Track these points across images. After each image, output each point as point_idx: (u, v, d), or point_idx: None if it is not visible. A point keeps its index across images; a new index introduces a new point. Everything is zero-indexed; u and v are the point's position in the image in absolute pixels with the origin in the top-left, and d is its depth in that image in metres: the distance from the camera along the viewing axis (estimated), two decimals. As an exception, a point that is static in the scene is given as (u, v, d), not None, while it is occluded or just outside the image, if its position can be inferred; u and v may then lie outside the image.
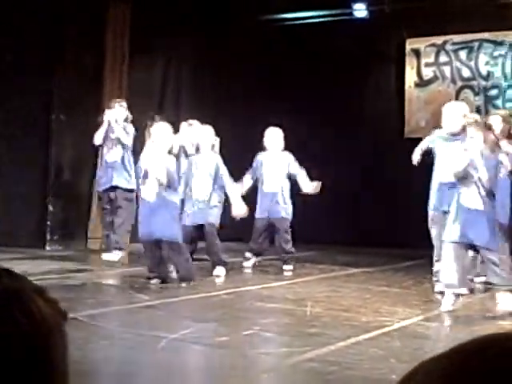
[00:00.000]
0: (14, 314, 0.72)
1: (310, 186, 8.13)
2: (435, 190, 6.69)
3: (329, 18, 10.90)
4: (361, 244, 10.15)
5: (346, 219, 10.78)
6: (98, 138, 8.62)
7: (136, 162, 7.51)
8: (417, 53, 11.19)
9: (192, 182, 7.65)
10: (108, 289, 6.56)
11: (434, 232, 6.68)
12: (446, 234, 5.90)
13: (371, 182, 10.68)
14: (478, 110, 10.64)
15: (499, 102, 10.63)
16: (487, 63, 10.73)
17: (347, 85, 10.98)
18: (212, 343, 4.57)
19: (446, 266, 5.81)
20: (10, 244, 8.64)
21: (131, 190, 8.32)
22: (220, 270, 7.49)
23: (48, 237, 9.43)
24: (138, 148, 7.96)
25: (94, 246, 9.63)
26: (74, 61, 9.44)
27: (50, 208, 9.47)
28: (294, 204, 8.22)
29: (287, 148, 8.30)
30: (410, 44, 11.20)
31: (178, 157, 7.66)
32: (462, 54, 10.91)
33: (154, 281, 6.73)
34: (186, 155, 8.02)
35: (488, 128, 6.01)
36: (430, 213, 6.74)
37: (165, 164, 6.69)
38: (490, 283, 6.40)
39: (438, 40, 11.02)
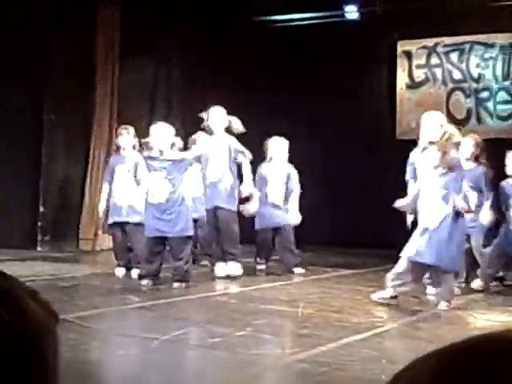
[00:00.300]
0: (4, 314, 0.72)
1: (255, 205, 7.64)
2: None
3: (320, 20, 10.90)
4: (353, 245, 10.16)
5: (337, 220, 10.79)
6: None
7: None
8: (408, 55, 11.21)
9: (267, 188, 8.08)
10: (100, 290, 6.54)
11: None
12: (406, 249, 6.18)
13: (363, 183, 10.69)
14: (468, 112, 10.71)
15: (490, 105, 10.66)
16: (478, 65, 10.74)
17: (339, 86, 10.98)
18: (204, 344, 4.56)
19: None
20: (1, 245, 8.61)
21: None
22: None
23: (39, 238, 9.41)
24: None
25: (86, 247, 9.62)
26: (72, 60, 9.46)
27: (42, 209, 9.45)
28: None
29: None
30: (402, 46, 11.21)
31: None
32: (453, 56, 10.92)
33: (145, 282, 6.73)
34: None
35: (456, 146, 6.11)
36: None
37: None
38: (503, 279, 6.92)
39: (430, 42, 11.04)
